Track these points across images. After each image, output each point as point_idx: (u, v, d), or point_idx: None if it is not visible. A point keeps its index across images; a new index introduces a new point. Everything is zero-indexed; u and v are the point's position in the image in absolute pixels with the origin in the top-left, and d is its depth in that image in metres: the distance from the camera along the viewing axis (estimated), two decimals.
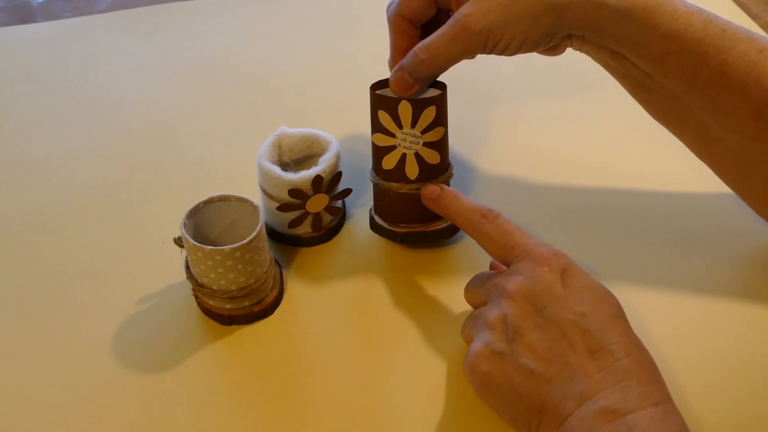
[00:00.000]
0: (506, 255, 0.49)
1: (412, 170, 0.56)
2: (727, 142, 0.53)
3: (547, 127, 0.73)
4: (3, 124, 0.74)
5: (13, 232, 0.63)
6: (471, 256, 0.60)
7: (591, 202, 0.65)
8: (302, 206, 0.57)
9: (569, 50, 0.55)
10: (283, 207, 0.57)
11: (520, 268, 0.47)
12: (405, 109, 0.54)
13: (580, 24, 0.51)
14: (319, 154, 0.59)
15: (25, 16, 0.90)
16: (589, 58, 0.56)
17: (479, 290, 0.51)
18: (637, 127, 0.71)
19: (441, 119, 0.55)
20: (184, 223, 0.52)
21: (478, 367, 0.46)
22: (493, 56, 0.53)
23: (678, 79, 0.51)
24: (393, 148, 0.56)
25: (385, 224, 0.58)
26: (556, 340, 0.44)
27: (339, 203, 0.61)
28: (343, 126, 0.72)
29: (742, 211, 0.62)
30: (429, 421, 0.49)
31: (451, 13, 0.54)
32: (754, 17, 0.86)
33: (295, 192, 0.56)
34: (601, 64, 0.56)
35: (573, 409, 0.41)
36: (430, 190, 0.55)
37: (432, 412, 0.50)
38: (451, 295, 0.57)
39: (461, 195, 0.53)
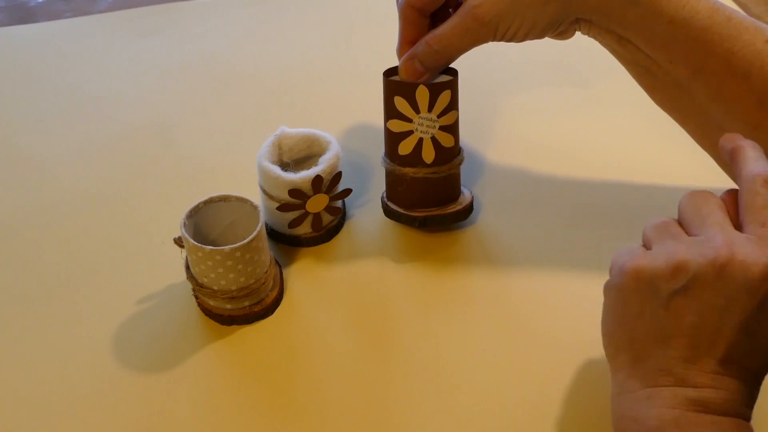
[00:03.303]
0: (750, 224, 0.42)
1: (428, 154, 0.57)
2: (730, 132, 0.53)
3: (553, 120, 0.73)
4: (3, 124, 0.74)
5: (12, 232, 0.63)
6: (474, 252, 0.60)
7: (598, 195, 0.65)
8: (302, 206, 0.57)
9: (579, 45, 0.56)
10: (283, 207, 0.57)
11: (750, 248, 0.40)
12: (422, 94, 0.55)
13: (586, 9, 0.51)
14: (319, 154, 0.59)
15: (24, 16, 0.90)
16: (599, 54, 0.57)
17: (695, 215, 0.43)
18: (647, 121, 0.71)
19: (454, 103, 0.56)
20: (184, 223, 0.52)
21: (628, 279, 0.42)
22: (500, 47, 0.54)
23: (683, 66, 0.52)
24: (410, 133, 0.56)
25: (401, 210, 0.59)
26: (709, 328, 0.41)
27: (339, 203, 0.61)
28: (343, 126, 0.72)
29: None
30: (430, 420, 0.49)
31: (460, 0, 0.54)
32: (755, 17, 0.86)
33: (295, 192, 0.56)
34: (608, 49, 0.56)
35: (667, 384, 0.41)
36: (729, 137, 0.46)
37: (432, 411, 0.50)
38: (454, 293, 0.57)
39: (761, 151, 0.45)
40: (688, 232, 0.43)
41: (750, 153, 0.44)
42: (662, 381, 0.42)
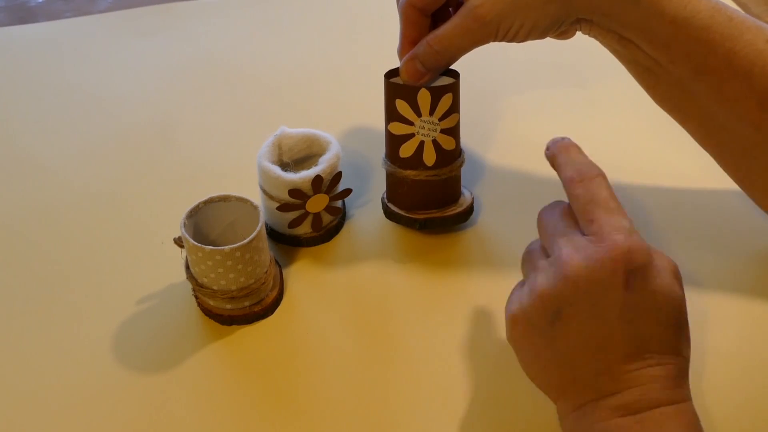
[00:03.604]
0: (584, 226, 0.43)
1: (429, 157, 0.57)
2: (731, 132, 0.53)
3: (553, 120, 0.73)
4: (3, 124, 0.74)
5: (13, 232, 0.63)
6: (474, 253, 0.60)
7: None
8: (302, 206, 0.57)
9: (579, 45, 0.56)
10: (283, 207, 0.57)
11: (589, 249, 0.42)
12: (424, 97, 0.55)
13: (588, 9, 0.51)
14: (319, 154, 0.59)
15: (25, 16, 0.90)
16: (599, 54, 0.57)
17: (546, 234, 0.45)
18: (647, 121, 0.71)
19: (456, 106, 0.56)
20: (184, 223, 0.52)
21: (512, 329, 0.45)
22: (500, 47, 0.54)
23: (684, 66, 0.52)
24: (411, 136, 0.56)
25: (402, 212, 0.59)
26: (596, 337, 0.42)
27: (339, 203, 0.61)
28: (343, 126, 0.72)
29: (747, 208, 0.62)
30: (430, 420, 0.49)
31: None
32: (755, 17, 0.86)
33: (295, 192, 0.56)
34: (609, 49, 0.56)
35: (590, 399, 0.43)
36: (550, 143, 0.49)
37: (432, 411, 0.50)
38: (454, 294, 0.57)
39: (574, 149, 0.47)
40: (546, 253, 0.45)
41: (561, 159, 0.47)
42: (585, 399, 0.43)
